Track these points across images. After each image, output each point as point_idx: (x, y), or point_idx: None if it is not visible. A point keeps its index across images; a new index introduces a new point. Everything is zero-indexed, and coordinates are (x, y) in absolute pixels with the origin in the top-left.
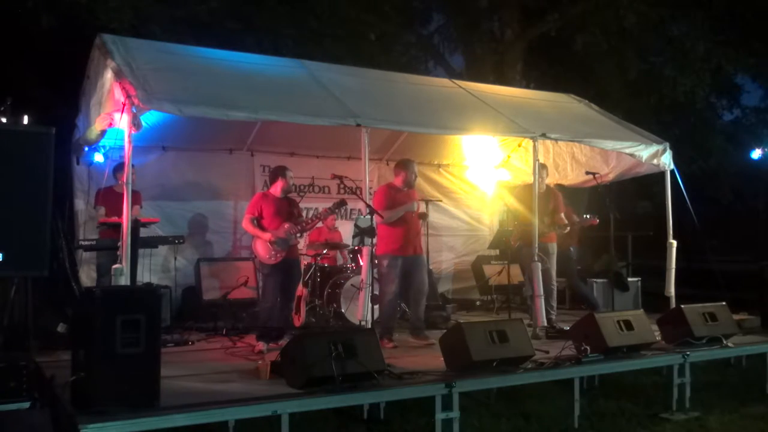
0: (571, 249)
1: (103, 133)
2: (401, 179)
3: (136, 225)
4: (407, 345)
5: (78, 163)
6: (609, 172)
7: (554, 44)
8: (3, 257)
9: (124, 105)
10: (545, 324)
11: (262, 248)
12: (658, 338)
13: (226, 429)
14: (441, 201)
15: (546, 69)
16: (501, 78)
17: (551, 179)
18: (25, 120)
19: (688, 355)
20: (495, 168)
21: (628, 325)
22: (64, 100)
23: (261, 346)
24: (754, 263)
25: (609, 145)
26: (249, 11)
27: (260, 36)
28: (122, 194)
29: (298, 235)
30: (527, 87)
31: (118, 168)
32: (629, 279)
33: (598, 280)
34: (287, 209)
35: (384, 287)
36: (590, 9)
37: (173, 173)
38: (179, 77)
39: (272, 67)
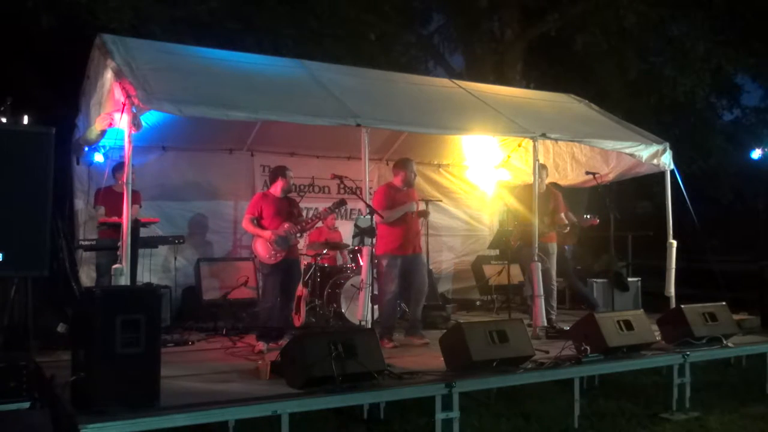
0: (566, 248)
1: (103, 133)
2: (401, 179)
3: (136, 225)
4: (407, 345)
5: (78, 163)
6: (609, 172)
7: (554, 44)
8: (3, 257)
9: (124, 105)
10: (545, 324)
11: (262, 248)
12: (658, 338)
13: (226, 429)
14: (441, 201)
15: (546, 69)
16: (501, 78)
17: (551, 179)
18: (25, 120)
19: (688, 355)
20: (495, 168)
21: (628, 325)
22: (64, 100)
23: (261, 346)
24: (754, 263)
25: (609, 145)
26: (249, 11)
27: (260, 36)
28: (122, 194)
29: (298, 234)
30: (527, 87)
31: (118, 168)
32: (629, 279)
33: (598, 280)
34: (287, 209)
35: (383, 287)
36: (590, 9)
37: (173, 173)
38: (179, 77)
39: (272, 67)
